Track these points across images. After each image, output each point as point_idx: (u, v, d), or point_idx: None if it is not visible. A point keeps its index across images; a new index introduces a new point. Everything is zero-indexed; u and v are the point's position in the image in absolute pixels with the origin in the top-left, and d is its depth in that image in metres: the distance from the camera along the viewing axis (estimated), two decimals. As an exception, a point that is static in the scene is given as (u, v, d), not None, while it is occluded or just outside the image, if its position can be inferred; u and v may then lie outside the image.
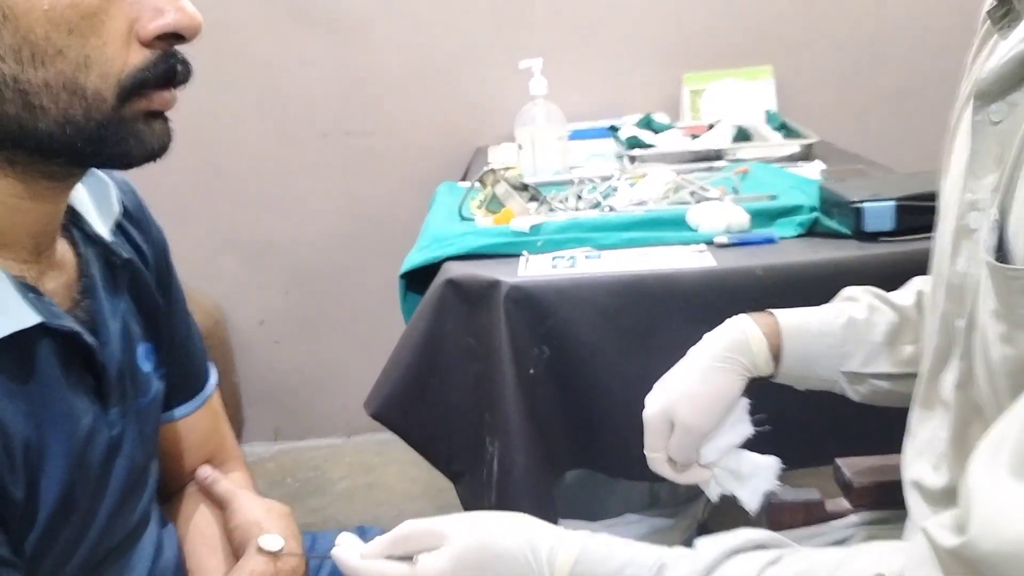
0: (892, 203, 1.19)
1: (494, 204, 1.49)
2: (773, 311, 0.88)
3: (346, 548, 0.67)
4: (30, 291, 0.62)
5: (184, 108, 0.65)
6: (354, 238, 2.34)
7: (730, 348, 0.84)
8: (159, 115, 0.63)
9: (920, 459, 0.74)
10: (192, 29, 0.61)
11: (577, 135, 2.04)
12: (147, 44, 0.60)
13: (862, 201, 1.21)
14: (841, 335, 0.86)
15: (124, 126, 0.60)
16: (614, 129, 1.99)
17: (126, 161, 0.62)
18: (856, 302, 0.90)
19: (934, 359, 0.72)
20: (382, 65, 2.24)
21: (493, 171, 1.50)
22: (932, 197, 1.19)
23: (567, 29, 2.22)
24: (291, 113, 2.26)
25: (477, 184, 1.52)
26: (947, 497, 0.66)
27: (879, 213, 1.20)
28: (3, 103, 0.56)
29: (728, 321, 0.88)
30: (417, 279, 1.33)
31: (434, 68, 2.24)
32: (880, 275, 1.20)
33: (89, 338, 0.65)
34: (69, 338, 0.64)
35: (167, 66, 0.61)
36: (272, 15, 2.19)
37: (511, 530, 0.63)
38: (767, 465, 0.83)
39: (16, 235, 0.63)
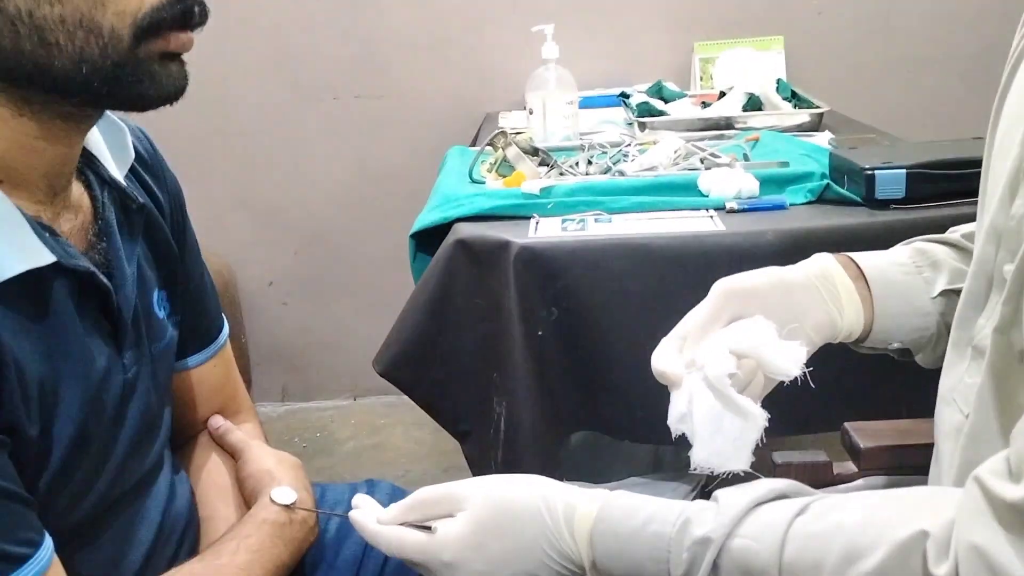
0: (903, 170, 1.19)
1: (505, 167, 1.49)
2: (851, 255, 0.78)
3: (363, 512, 0.67)
4: (45, 230, 0.62)
5: (195, 67, 0.65)
6: (363, 200, 2.34)
7: (820, 277, 0.74)
8: (175, 57, 0.63)
9: (944, 405, 0.71)
10: None
11: (588, 102, 2.03)
12: None
13: (873, 168, 1.20)
14: (911, 262, 0.77)
15: (140, 66, 0.60)
16: (625, 96, 1.98)
17: (142, 103, 0.63)
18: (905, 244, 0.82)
19: (965, 304, 0.69)
20: (393, 28, 2.23)
21: (504, 134, 1.50)
22: (943, 165, 1.21)
23: (579, -5, 2.20)
24: (301, 74, 2.25)
25: (488, 147, 1.52)
26: (976, 443, 0.63)
27: (890, 180, 1.20)
28: (18, 39, 0.56)
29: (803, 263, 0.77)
30: (427, 240, 1.34)
31: (445, 32, 2.23)
32: (891, 242, 1.18)
33: (104, 279, 0.66)
34: (84, 278, 0.64)
35: (184, 7, 0.61)
36: (283, -25, 2.18)
37: (527, 491, 0.63)
38: (757, 415, 0.63)
39: (31, 176, 0.63)
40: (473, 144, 1.96)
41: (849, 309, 0.75)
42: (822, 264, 0.77)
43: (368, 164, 2.32)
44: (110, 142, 0.73)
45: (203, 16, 0.63)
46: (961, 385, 0.68)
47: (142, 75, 0.60)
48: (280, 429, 2.31)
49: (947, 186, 1.19)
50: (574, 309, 1.22)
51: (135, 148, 0.77)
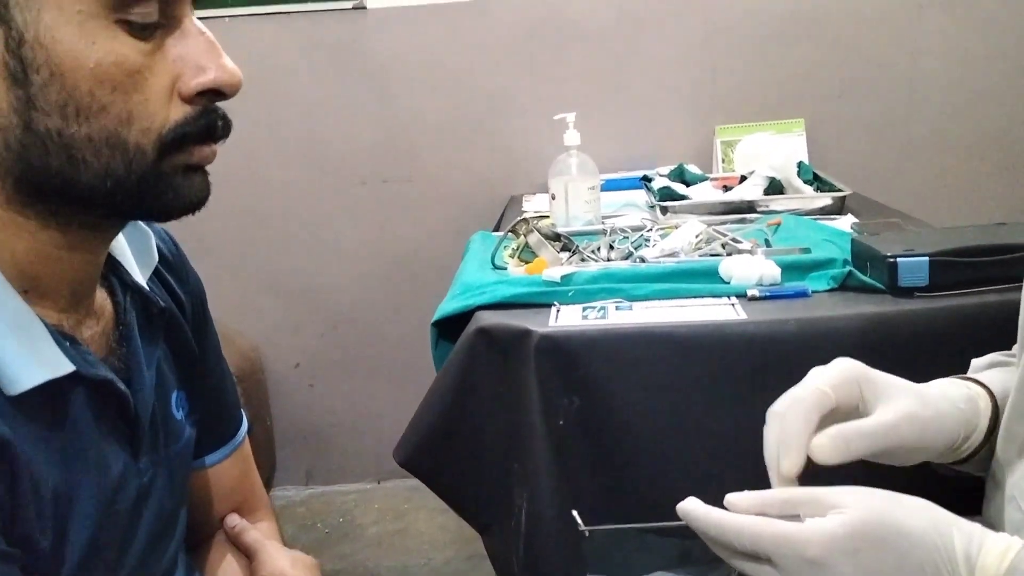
0: (926, 258, 1.18)
1: (527, 253, 1.50)
2: (967, 376, 0.78)
3: (695, 502, 0.62)
4: (66, 340, 0.63)
5: (228, 152, 0.67)
6: (390, 283, 2.36)
7: (966, 400, 0.73)
8: (198, 169, 0.64)
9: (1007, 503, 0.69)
10: (232, 86, 0.63)
11: (610, 185, 2.05)
12: (188, 100, 0.62)
13: (896, 256, 1.19)
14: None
15: (163, 179, 0.62)
16: (647, 180, 2.00)
17: (165, 213, 0.64)
18: (1007, 365, 0.81)
19: (1019, 396, 0.67)
20: (420, 114, 2.28)
21: (526, 220, 1.52)
22: (967, 252, 1.19)
23: (602, 80, 2.25)
24: (331, 159, 2.31)
25: (510, 233, 1.54)
26: None
27: (913, 268, 1.19)
28: (47, 156, 0.58)
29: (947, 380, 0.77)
30: (449, 328, 1.34)
31: (470, 117, 2.28)
32: (915, 331, 1.19)
33: (122, 386, 0.67)
34: (103, 386, 0.65)
35: (207, 121, 0.63)
36: (315, 63, 2.25)
37: (916, 509, 0.58)
38: None
39: (55, 284, 0.64)
40: (497, 228, 1.99)
41: (972, 443, 0.74)
42: (968, 394, 0.75)
43: (395, 247, 2.35)
44: (134, 247, 0.75)
45: (226, 129, 0.65)
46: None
47: (165, 188, 0.62)
48: (303, 514, 2.30)
49: (972, 273, 1.18)
50: (595, 398, 1.21)
51: (159, 249, 0.79)
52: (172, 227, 0.87)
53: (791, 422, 0.66)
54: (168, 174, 0.62)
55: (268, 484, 2.42)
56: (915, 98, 2.23)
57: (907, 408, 0.69)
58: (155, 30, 0.60)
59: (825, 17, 2.20)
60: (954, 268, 1.18)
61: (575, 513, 0.72)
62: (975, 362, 0.85)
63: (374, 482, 2.43)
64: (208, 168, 0.66)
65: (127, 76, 0.58)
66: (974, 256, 1.18)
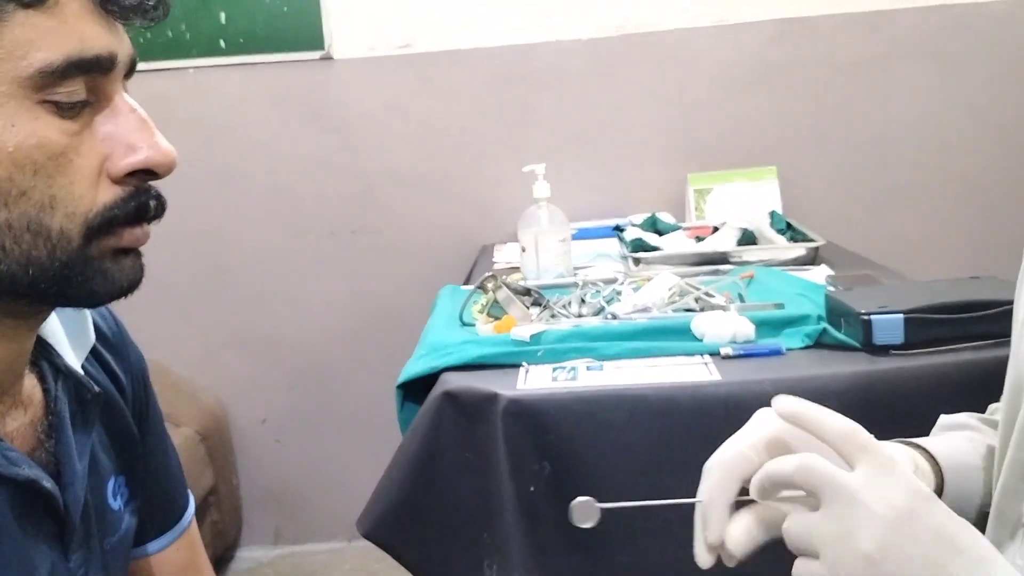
0: (901, 315, 1.16)
1: (496, 309, 1.46)
2: (910, 440, 0.76)
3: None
4: None
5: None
6: (359, 336, 2.32)
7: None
8: (130, 251, 0.60)
9: None
10: (166, 166, 0.59)
11: (582, 234, 2.03)
12: (118, 181, 0.58)
13: (870, 313, 1.17)
14: (985, 466, 0.73)
15: (90, 265, 0.58)
16: (619, 229, 1.98)
17: (93, 300, 0.60)
18: (975, 431, 0.79)
19: (1011, 474, 0.65)
20: (389, 164, 2.25)
21: (494, 276, 1.48)
22: (942, 309, 1.17)
23: (573, 128, 2.24)
24: (299, 211, 2.27)
25: (479, 289, 1.50)
26: None
27: (888, 325, 1.16)
28: None
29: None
30: (415, 389, 1.30)
31: (440, 167, 2.26)
32: (891, 390, 1.16)
33: (49, 483, 0.62)
34: (26, 485, 0.60)
35: (138, 203, 0.59)
36: (282, 114, 2.22)
37: None
38: None
39: None
40: (468, 279, 1.95)
41: None
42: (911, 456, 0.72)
43: (364, 299, 2.31)
44: (68, 328, 0.70)
45: (160, 209, 0.61)
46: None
47: (92, 273, 0.58)
48: (271, 575, 2.22)
49: (947, 331, 1.16)
50: (567, 463, 1.17)
51: (96, 327, 0.75)
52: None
53: (714, 490, 0.65)
54: (96, 259, 0.58)
55: (235, 544, 2.34)
56: (887, 146, 2.23)
57: None
58: (83, 108, 0.56)
59: (796, 65, 2.21)
60: (929, 325, 1.16)
61: (582, 500, 0.67)
62: (942, 419, 0.83)
63: (345, 541, 2.36)
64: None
65: (49, 159, 0.55)
66: (949, 312, 1.16)
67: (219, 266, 2.28)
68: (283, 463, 2.36)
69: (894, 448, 0.73)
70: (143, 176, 0.59)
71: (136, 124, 0.58)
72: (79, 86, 0.55)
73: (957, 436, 0.77)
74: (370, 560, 2.26)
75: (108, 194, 0.58)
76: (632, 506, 0.69)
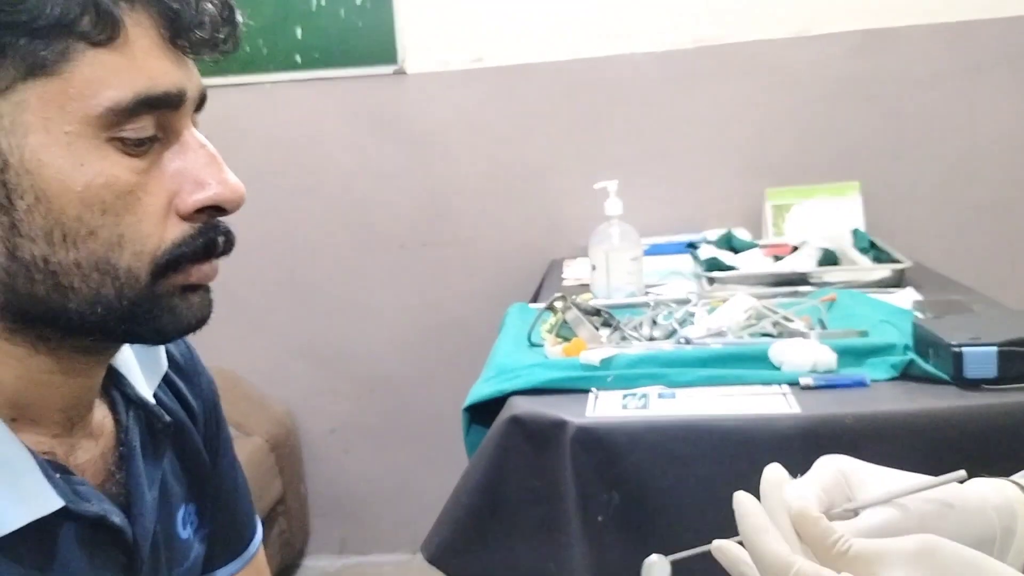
0: (994, 348, 1.10)
1: (565, 330, 1.44)
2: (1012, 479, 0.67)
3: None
4: (57, 471, 0.59)
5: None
6: (428, 348, 2.32)
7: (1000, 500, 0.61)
8: (198, 287, 0.60)
9: None
10: (234, 202, 0.58)
11: (655, 250, 1.99)
12: (186, 217, 0.58)
13: (961, 344, 1.11)
14: None
15: (158, 302, 0.57)
16: (693, 246, 1.93)
17: (161, 337, 0.60)
18: None
19: None
20: (460, 177, 2.25)
21: (564, 297, 1.46)
22: (1041, 342, 1.10)
23: (647, 141, 2.20)
24: (370, 224, 2.28)
25: (548, 310, 1.48)
26: None
27: (980, 358, 1.10)
28: (32, 284, 0.54)
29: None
30: (482, 411, 1.28)
31: (511, 181, 2.24)
32: (982, 427, 1.10)
33: (118, 518, 0.62)
34: (95, 521, 0.60)
35: (207, 240, 0.58)
36: (355, 128, 2.24)
37: None
38: None
39: (47, 410, 0.60)
40: (536, 294, 1.93)
41: (1018, 554, 0.60)
42: (1003, 491, 0.64)
43: (433, 311, 2.31)
44: (141, 357, 0.70)
45: (228, 245, 0.60)
46: None
47: (160, 311, 0.58)
48: (337, 586, 2.23)
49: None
50: (637, 494, 1.14)
51: (169, 353, 0.75)
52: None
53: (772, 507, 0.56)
54: (163, 296, 0.58)
55: (301, 553, 2.36)
56: (976, 161, 2.13)
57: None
58: (151, 144, 0.56)
59: (880, 76, 2.13)
60: (1026, 359, 1.09)
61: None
62: None
63: (409, 553, 2.35)
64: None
65: (118, 197, 0.54)
66: (1048, 346, 1.09)
67: (292, 277, 2.30)
68: (350, 474, 2.37)
69: (988, 484, 0.67)
70: (211, 212, 0.58)
71: (205, 160, 0.58)
72: (147, 123, 0.55)
73: None
74: (435, 573, 2.26)
75: (176, 231, 0.57)
76: (704, 551, 0.65)
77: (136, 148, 0.55)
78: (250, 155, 2.18)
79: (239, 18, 0.59)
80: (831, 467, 0.59)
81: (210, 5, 0.56)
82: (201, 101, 0.60)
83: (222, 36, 0.58)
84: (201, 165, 0.57)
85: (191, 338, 0.79)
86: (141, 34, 0.54)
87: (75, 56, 0.52)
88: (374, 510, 2.38)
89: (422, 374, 2.32)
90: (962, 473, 0.56)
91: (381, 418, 2.35)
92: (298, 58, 2.19)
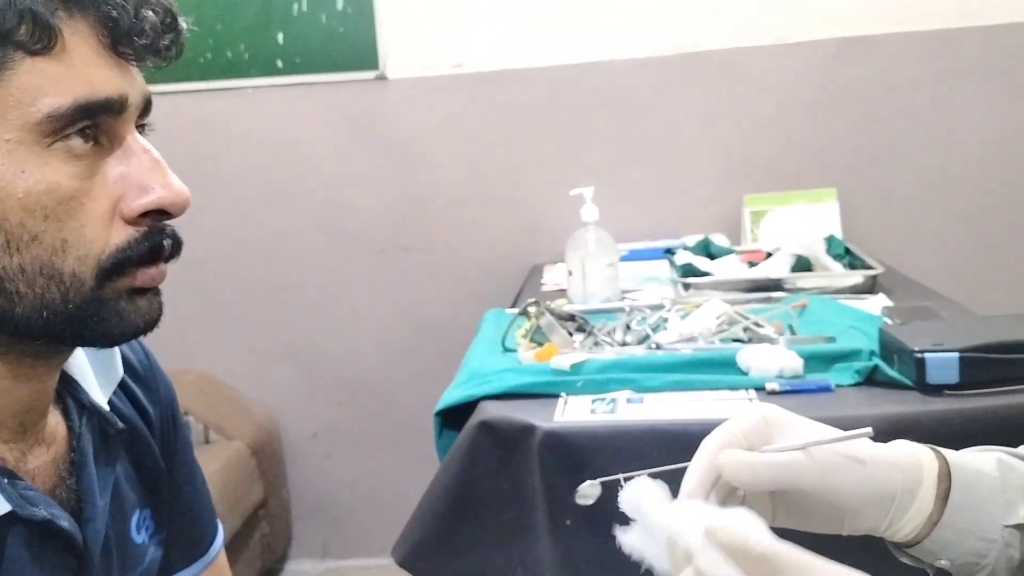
0: (956, 354, 1.11)
1: (539, 335, 1.45)
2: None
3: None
4: (4, 475, 0.59)
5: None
6: (409, 352, 2.32)
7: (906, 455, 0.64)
8: (146, 290, 0.61)
9: None
10: (178, 206, 0.59)
11: (633, 255, 2.00)
12: (131, 222, 0.58)
13: (924, 351, 1.12)
14: (1000, 477, 0.65)
15: (105, 306, 0.58)
16: (670, 252, 1.95)
17: (109, 340, 0.61)
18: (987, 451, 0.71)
19: None
20: (440, 182, 2.26)
21: (538, 302, 1.47)
22: (1000, 348, 1.12)
23: (627, 148, 2.21)
24: (351, 228, 2.29)
25: (522, 315, 1.49)
26: None
27: (942, 364, 1.11)
28: None
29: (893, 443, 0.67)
30: (454, 416, 1.29)
31: (491, 186, 2.25)
32: (944, 432, 1.11)
33: (66, 522, 0.62)
34: (43, 525, 0.61)
35: (152, 243, 0.59)
36: (337, 133, 2.25)
37: None
38: None
39: None
40: (516, 299, 1.94)
41: (916, 515, 0.63)
42: (914, 454, 0.65)
43: (414, 315, 2.31)
44: (95, 363, 0.71)
45: (176, 248, 0.61)
46: None
47: (107, 314, 0.59)
48: (318, 590, 2.24)
49: (1005, 371, 1.10)
50: (604, 497, 1.14)
51: (126, 359, 0.75)
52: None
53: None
54: (110, 300, 0.58)
55: (283, 557, 2.37)
56: (953, 169, 2.15)
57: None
58: (93, 151, 0.57)
59: (858, 84, 2.15)
60: (986, 365, 1.10)
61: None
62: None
63: (391, 557, 2.36)
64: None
65: (59, 203, 0.55)
66: (1008, 352, 1.11)
67: (273, 282, 2.31)
68: (332, 478, 2.37)
69: (906, 447, 0.66)
70: (157, 216, 0.59)
71: (149, 165, 0.59)
72: (89, 129, 0.56)
73: (967, 451, 0.69)
74: (416, 578, 2.26)
75: (121, 235, 0.58)
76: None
77: (78, 155, 0.56)
78: (232, 160, 2.18)
79: (182, 24, 0.60)
80: (755, 414, 0.63)
81: (151, 12, 0.57)
82: (146, 107, 0.61)
83: (165, 43, 0.59)
84: (145, 170, 0.58)
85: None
86: (80, 42, 0.55)
87: (13, 65, 0.53)
88: (356, 514, 2.38)
89: (404, 378, 2.33)
90: (868, 430, 0.60)
91: (363, 422, 2.36)
92: (279, 63, 2.20)
